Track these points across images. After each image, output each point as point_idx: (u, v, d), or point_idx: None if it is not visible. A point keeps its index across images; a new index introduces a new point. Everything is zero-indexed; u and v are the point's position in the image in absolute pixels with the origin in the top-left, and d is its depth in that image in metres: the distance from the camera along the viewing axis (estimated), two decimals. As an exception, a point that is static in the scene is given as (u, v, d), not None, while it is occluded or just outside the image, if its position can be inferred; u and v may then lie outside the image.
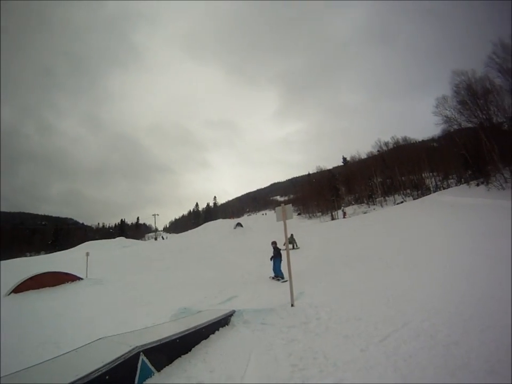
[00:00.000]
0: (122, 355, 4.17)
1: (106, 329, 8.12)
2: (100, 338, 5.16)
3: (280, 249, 15.46)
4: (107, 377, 3.74)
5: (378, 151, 78.86)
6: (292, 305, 8.24)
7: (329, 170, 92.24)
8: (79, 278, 21.53)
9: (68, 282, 20.77)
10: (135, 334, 5.75)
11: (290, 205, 9.57)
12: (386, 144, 78.07)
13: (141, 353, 4.49)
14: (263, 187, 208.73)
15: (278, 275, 14.87)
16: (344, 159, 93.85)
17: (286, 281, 12.46)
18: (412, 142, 75.22)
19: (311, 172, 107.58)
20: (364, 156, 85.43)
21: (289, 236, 20.60)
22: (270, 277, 15.18)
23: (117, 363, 3.97)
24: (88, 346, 4.88)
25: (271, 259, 15.51)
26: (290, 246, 22.15)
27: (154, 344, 4.83)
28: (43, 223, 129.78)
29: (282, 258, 14.33)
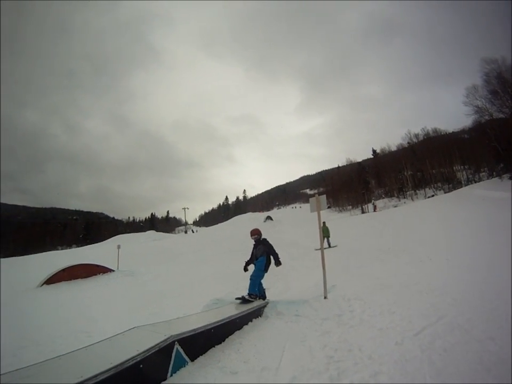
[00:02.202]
0: (157, 344, 4.19)
1: (138, 319, 8.22)
2: (133, 328, 5.21)
3: (270, 244, 9.24)
4: (141, 365, 3.77)
5: (408, 143, 77.62)
6: (325, 297, 8.12)
7: (359, 162, 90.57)
8: (111, 270, 21.98)
9: (99, 274, 21.25)
10: (169, 323, 5.76)
11: (324, 195, 9.32)
12: (416, 135, 76.84)
13: (176, 342, 4.51)
14: (292, 180, 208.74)
15: (252, 293, 8.32)
16: (374, 151, 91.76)
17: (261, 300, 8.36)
18: (442, 133, 73.96)
19: (340, 165, 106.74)
20: (393, 148, 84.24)
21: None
22: (238, 298, 8.34)
23: (151, 352, 4.00)
24: (121, 335, 4.92)
25: (246, 268, 9.28)
26: (325, 242, 20.86)
27: (189, 334, 4.84)
28: (74, 217, 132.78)
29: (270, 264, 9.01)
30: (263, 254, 8.96)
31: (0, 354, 5.55)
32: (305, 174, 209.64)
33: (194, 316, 7.04)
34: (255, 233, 9.53)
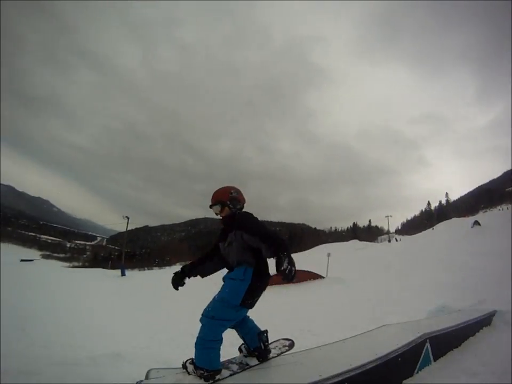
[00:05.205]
0: (413, 340, 4.51)
1: (357, 321, 8.71)
2: (383, 326, 5.70)
3: (258, 224, 3.60)
4: (399, 359, 4.07)
5: None
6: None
7: None
8: (321, 277, 22.98)
9: (310, 279, 22.38)
10: (413, 323, 6.14)
11: None
12: None
13: (427, 340, 4.75)
14: (495, 177, 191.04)
15: (202, 367, 3.25)
16: None
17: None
18: None
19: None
20: None
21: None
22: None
23: (408, 347, 4.31)
24: (375, 331, 5.45)
25: (177, 283, 3.92)
26: None
27: (437, 333, 5.10)
28: (277, 228, 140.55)
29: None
30: (242, 259, 3.64)
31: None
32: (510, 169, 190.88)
33: (431, 319, 7.28)
34: (219, 198, 4.05)
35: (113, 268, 55.34)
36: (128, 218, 58.43)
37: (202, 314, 3.47)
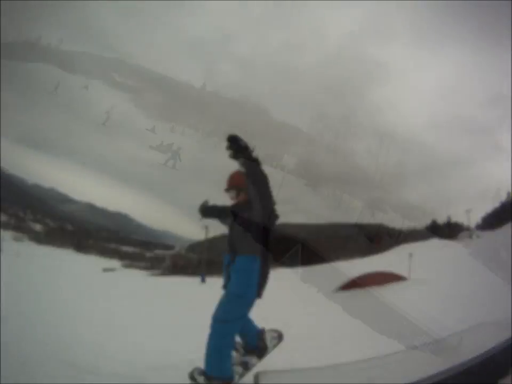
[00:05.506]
0: (509, 338, 4.35)
1: (449, 322, 8.46)
2: (477, 324, 5.55)
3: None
4: (496, 357, 3.91)
5: None
6: None
7: None
8: (403, 278, 22.46)
9: (392, 282, 21.89)
10: (506, 321, 5.92)
11: None
12: None
13: None
14: None
15: (213, 376, 3.21)
16: None
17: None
18: None
19: None
20: None
21: None
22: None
23: (504, 345, 4.09)
24: (469, 330, 5.30)
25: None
26: None
27: None
28: (355, 230, 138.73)
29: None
30: (253, 246, 3.49)
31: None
32: None
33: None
34: (235, 182, 3.97)
35: (192, 274, 56.59)
36: (206, 227, 59.79)
37: (214, 321, 3.40)
